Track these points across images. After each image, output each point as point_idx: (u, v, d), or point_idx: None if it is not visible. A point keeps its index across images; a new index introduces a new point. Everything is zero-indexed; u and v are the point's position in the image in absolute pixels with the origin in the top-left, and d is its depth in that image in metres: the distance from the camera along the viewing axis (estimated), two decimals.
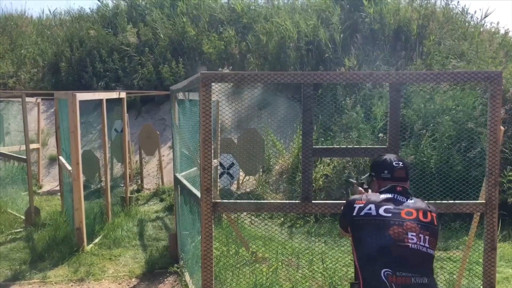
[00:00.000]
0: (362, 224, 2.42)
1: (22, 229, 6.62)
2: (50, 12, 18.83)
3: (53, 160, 10.80)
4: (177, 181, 5.23)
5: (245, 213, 5.63)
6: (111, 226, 6.42)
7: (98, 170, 9.10)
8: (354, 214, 2.45)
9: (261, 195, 7.78)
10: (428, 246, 2.35)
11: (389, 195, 2.48)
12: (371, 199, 2.47)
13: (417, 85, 7.33)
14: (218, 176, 7.47)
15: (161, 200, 8.39)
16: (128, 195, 7.76)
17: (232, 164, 8.03)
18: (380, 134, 7.29)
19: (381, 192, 2.52)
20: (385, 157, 2.67)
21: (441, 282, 4.35)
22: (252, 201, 3.94)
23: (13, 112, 10.39)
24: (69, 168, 6.09)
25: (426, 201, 2.57)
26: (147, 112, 11.59)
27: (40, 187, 9.70)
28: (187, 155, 5.30)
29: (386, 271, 2.27)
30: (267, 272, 4.52)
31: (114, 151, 9.21)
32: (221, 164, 7.81)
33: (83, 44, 13.07)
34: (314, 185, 7.09)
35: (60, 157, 7.09)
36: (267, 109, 9.67)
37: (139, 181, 9.35)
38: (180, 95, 5.05)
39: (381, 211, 2.41)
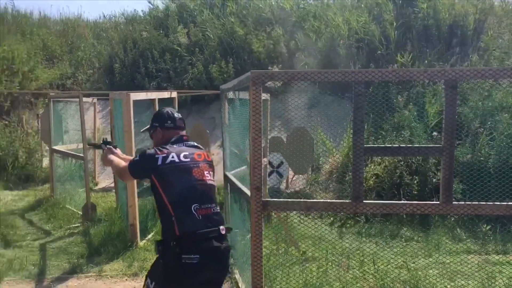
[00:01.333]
0: (169, 170, 2.80)
1: (79, 224, 6.89)
2: (105, 15, 19.50)
3: None
4: (227, 179, 5.28)
5: (294, 212, 5.61)
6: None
7: None
8: (160, 163, 2.81)
9: (310, 194, 7.73)
10: (213, 179, 2.99)
11: (181, 144, 2.95)
12: (170, 150, 2.88)
13: (474, 82, 7.05)
14: (267, 175, 7.49)
15: None
16: None
17: (281, 163, 8.01)
18: (434, 133, 7.07)
19: (172, 143, 2.95)
20: (165, 109, 3.13)
21: None
22: (302, 200, 3.91)
23: (71, 111, 10.80)
24: None
25: (483, 202, 2.69)
26: (197, 112, 11.77)
27: (96, 184, 10.06)
28: (237, 153, 5.34)
29: (195, 205, 2.76)
30: (317, 272, 4.48)
31: None
32: (270, 163, 7.82)
33: (136, 45, 13.45)
34: (364, 185, 6.97)
35: None
36: (317, 108, 9.60)
37: None
38: (230, 94, 5.09)
39: (181, 157, 2.86)
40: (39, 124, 10.79)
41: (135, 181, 5.95)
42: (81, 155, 7.59)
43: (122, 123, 6.27)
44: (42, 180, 10.03)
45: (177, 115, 3.10)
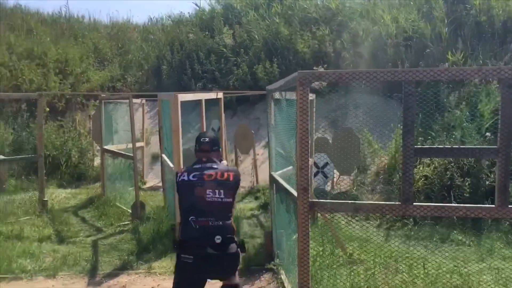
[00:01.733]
0: (180, 186, 3.40)
1: (129, 222, 7.07)
2: (152, 19, 19.96)
3: (155, 157, 11.44)
4: (273, 180, 5.29)
5: (340, 213, 5.55)
6: None
7: None
8: (177, 180, 3.43)
9: (356, 195, 7.62)
10: (223, 197, 3.29)
11: (197, 165, 3.41)
12: (187, 169, 3.44)
13: None
14: (313, 176, 7.44)
15: (256, 198, 8.54)
16: None
17: (327, 164, 7.95)
18: (488, 134, 6.81)
19: (194, 163, 3.45)
20: (199, 134, 3.64)
21: None
22: (350, 201, 3.87)
23: (120, 112, 11.11)
24: (171, 165, 6.42)
25: None
26: (242, 112, 11.85)
27: (144, 183, 10.31)
28: (283, 154, 5.34)
29: (192, 217, 3.27)
30: (365, 275, 4.41)
31: None
32: (315, 164, 7.77)
33: (182, 47, 13.70)
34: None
35: (163, 155, 7.48)
36: (363, 108, 9.45)
37: None
38: (277, 95, 5.10)
39: (190, 177, 3.35)
40: (91, 124, 11.17)
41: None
42: (131, 154, 7.79)
43: (170, 123, 6.40)
44: (94, 179, 10.37)
45: (203, 139, 3.51)
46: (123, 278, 4.99)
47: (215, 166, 3.41)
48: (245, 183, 9.36)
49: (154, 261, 5.41)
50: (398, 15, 10.25)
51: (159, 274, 5.10)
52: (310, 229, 3.41)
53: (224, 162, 3.64)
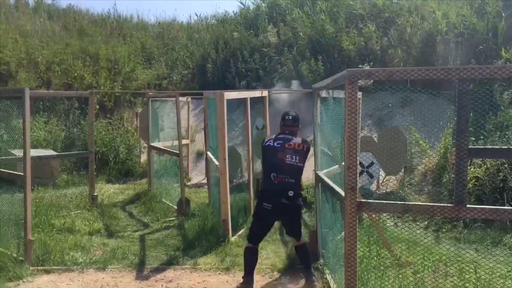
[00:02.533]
0: (266, 149, 4.56)
1: (174, 218, 7.20)
2: (197, 17, 20.22)
3: (200, 155, 11.59)
4: (318, 179, 5.24)
5: (386, 214, 5.43)
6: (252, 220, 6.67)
7: (240, 165, 9.53)
8: (264, 144, 4.60)
9: (403, 196, 7.45)
10: (298, 161, 4.45)
11: (281, 135, 4.62)
12: (272, 138, 4.66)
13: None
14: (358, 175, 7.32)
15: None
16: None
17: (372, 163, 7.81)
18: None
19: (279, 134, 4.65)
20: (285, 112, 4.86)
21: None
22: (399, 202, 3.78)
23: (166, 110, 11.33)
24: (217, 163, 6.48)
25: None
26: (284, 110, 11.80)
27: (189, 180, 10.47)
28: (328, 153, 5.29)
29: (273, 174, 4.40)
30: (414, 278, 4.31)
31: (255, 148, 9.55)
32: (360, 163, 7.65)
33: (227, 45, 13.80)
34: None
35: (208, 153, 7.57)
36: (410, 106, 9.23)
37: None
38: (323, 93, 5.04)
39: (275, 143, 4.53)
40: (138, 122, 11.44)
41: (227, 178, 6.12)
42: (177, 152, 7.93)
43: (216, 121, 6.46)
44: (140, 175, 10.62)
45: (287, 116, 4.75)
46: (169, 273, 5.08)
47: (294, 138, 4.56)
48: None
49: (200, 257, 5.47)
50: (449, 10, 9.94)
51: (204, 270, 5.16)
52: (357, 230, 3.36)
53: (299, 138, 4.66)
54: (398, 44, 10.34)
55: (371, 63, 10.31)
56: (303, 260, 4.74)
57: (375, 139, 7.65)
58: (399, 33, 10.40)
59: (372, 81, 3.61)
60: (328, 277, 4.68)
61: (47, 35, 13.31)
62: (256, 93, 7.60)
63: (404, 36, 10.28)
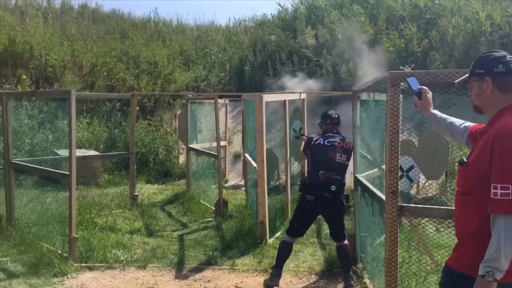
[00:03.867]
0: (316, 147, 4.78)
1: (212, 219, 7.28)
2: (236, 20, 20.41)
3: (237, 156, 11.68)
4: (357, 182, 5.19)
5: (426, 219, 5.31)
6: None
7: (277, 167, 9.53)
8: (313, 142, 4.83)
9: (444, 201, 7.27)
10: (345, 160, 4.73)
11: (330, 134, 4.86)
12: (320, 136, 4.89)
13: None
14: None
15: None
16: None
17: (412, 167, 7.66)
18: None
19: (327, 132, 4.90)
20: (327, 111, 5.11)
21: None
22: (442, 207, 3.71)
23: (204, 112, 11.47)
24: (254, 165, 6.52)
25: None
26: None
27: (226, 181, 10.55)
28: (367, 156, 5.23)
29: (321, 171, 4.65)
30: None
31: (292, 150, 9.54)
32: (400, 167, 7.51)
33: (265, 48, 13.86)
34: None
35: (246, 155, 7.62)
36: (452, 109, 8.99)
37: None
38: (364, 96, 5.00)
39: (326, 142, 4.78)
40: (177, 123, 11.63)
41: (265, 180, 6.15)
42: (215, 153, 8.01)
43: (254, 123, 6.50)
44: (178, 176, 10.79)
45: (334, 115, 5.01)
46: (208, 273, 5.14)
47: (341, 137, 4.84)
48: None
49: (237, 258, 5.51)
50: (493, 11, 9.65)
51: (242, 271, 5.19)
52: (399, 234, 3.31)
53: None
54: (440, 45, 10.12)
55: (412, 65, 10.12)
56: (342, 263, 4.75)
57: (416, 143, 7.51)
58: (441, 34, 10.18)
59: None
60: (367, 281, 4.63)
61: (91, 39, 13.73)
62: (295, 96, 7.60)
63: (446, 38, 10.06)
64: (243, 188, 9.37)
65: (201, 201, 8.24)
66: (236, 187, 10.11)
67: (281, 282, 4.76)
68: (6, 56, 10.94)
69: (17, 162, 6.54)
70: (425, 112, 2.78)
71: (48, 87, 11.15)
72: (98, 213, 7.03)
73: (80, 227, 6.02)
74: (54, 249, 5.31)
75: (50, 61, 11.50)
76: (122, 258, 5.43)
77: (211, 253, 5.72)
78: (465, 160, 2.30)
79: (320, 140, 4.78)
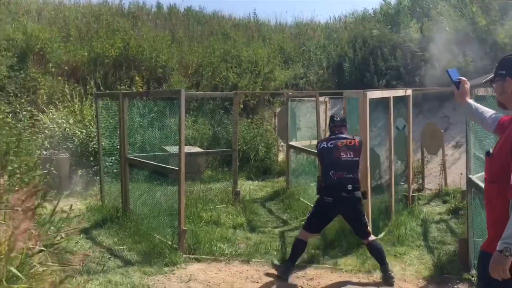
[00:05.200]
0: (322, 151, 5.01)
1: None
2: (335, 17, 20.15)
3: None
4: (470, 183, 4.87)
5: None
6: (394, 223, 6.46)
7: (378, 167, 9.25)
8: (319, 147, 5.06)
9: None
10: (352, 156, 4.87)
11: (332, 136, 5.06)
12: (324, 140, 5.15)
13: None
14: None
15: (444, 201, 7.99)
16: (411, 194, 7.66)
17: None
18: None
19: (329, 135, 5.14)
20: (332, 115, 5.40)
21: None
22: None
23: (303, 110, 11.46)
24: None
25: None
26: (428, 110, 11.18)
27: None
28: (482, 156, 4.89)
29: (331, 172, 4.84)
30: None
31: (396, 149, 9.21)
32: None
33: (365, 43, 13.48)
34: None
35: None
36: None
37: (420, 180, 9.12)
38: (481, 91, 4.67)
39: (329, 144, 4.97)
40: (276, 121, 11.75)
41: (369, 179, 6.01)
42: (314, 151, 7.96)
43: (357, 121, 6.36)
44: (277, 173, 10.89)
45: (336, 118, 5.17)
46: (310, 271, 5.15)
47: (344, 136, 5.01)
48: (432, 185, 8.84)
49: (340, 258, 5.44)
50: None
51: (345, 271, 5.12)
52: None
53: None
54: None
55: None
56: (377, 257, 4.88)
57: None
58: None
59: None
60: None
61: (196, 40, 14.35)
62: (399, 92, 7.33)
63: None
64: None
65: (301, 199, 8.25)
66: None
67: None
68: (121, 59, 11.79)
69: (132, 157, 7.04)
70: (462, 101, 2.97)
71: (157, 87, 11.84)
72: (203, 208, 7.32)
73: (188, 220, 6.31)
74: (165, 240, 5.63)
75: (160, 63, 12.19)
76: (227, 251, 5.61)
77: (313, 251, 5.70)
78: (491, 151, 2.59)
79: (324, 144, 5.01)
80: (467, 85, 2.97)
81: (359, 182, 4.89)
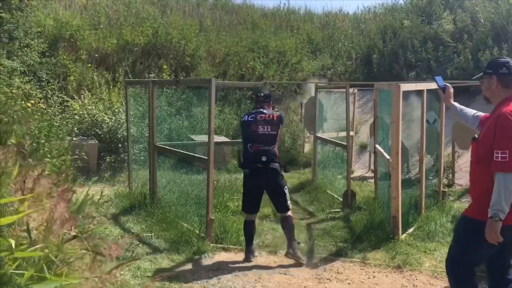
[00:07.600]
0: (243, 125, 5.19)
1: (339, 210, 7.18)
2: (365, 7, 19.82)
3: (363, 147, 11.41)
4: None
5: None
6: (424, 219, 6.33)
7: (407, 160, 9.09)
8: (241, 120, 5.27)
9: None
10: (270, 130, 5.03)
11: (253, 110, 5.25)
12: (247, 114, 5.28)
13: None
14: None
15: None
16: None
17: None
18: None
19: (252, 109, 5.38)
20: (257, 90, 5.84)
21: None
22: None
23: (330, 101, 11.34)
24: (388, 157, 6.27)
25: None
26: (460, 104, 10.92)
27: (352, 172, 10.33)
28: None
29: (249, 144, 5.04)
30: None
31: (428, 144, 9.02)
32: None
33: (396, 35, 13.25)
34: None
35: (377, 146, 7.38)
36: None
37: (450, 175, 8.94)
38: None
39: (249, 118, 5.12)
40: (303, 112, 11.66)
41: (399, 173, 5.89)
42: (344, 143, 7.88)
43: (387, 114, 6.24)
44: (303, 164, 10.84)
45: (259, 94, 5.27)
46: (338, 264, 5.08)
47: (265, 111, 5.11)
48: (463, 180, 8.65)
49: (368, 252, 5.35)
50: None
51: (373, 265, 5.04)
52: None
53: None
54: None
55: None
56: (285, 232, 5.12)
57: None
58: None
59: None
60: None
61: (224, 29, 14.32)
62: (433, 85, 7.14)
63: None
64: (370, 180, 9.12)
65: (328, 191, 8.18)
66: (362, 178, 9.87)
67: (419, 282, 4.63)
68: (150, 47, 11.84)
69: (160, 145, 7.06)
70: (448, 103, 3.61)
71: (185, 76, 11.87)
72: (229, 197, 7.31)
73: (215, 209, 6.30)
74: (192, 229, 5.64)
75: (188, 51, 12.20)
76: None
77: (341, 244, 5.65)
78: (476, 136, 3.19)
79: (245, 117, 5.17)
80: (451, 90, 3.60)
81: (277, 155, 5.06)
